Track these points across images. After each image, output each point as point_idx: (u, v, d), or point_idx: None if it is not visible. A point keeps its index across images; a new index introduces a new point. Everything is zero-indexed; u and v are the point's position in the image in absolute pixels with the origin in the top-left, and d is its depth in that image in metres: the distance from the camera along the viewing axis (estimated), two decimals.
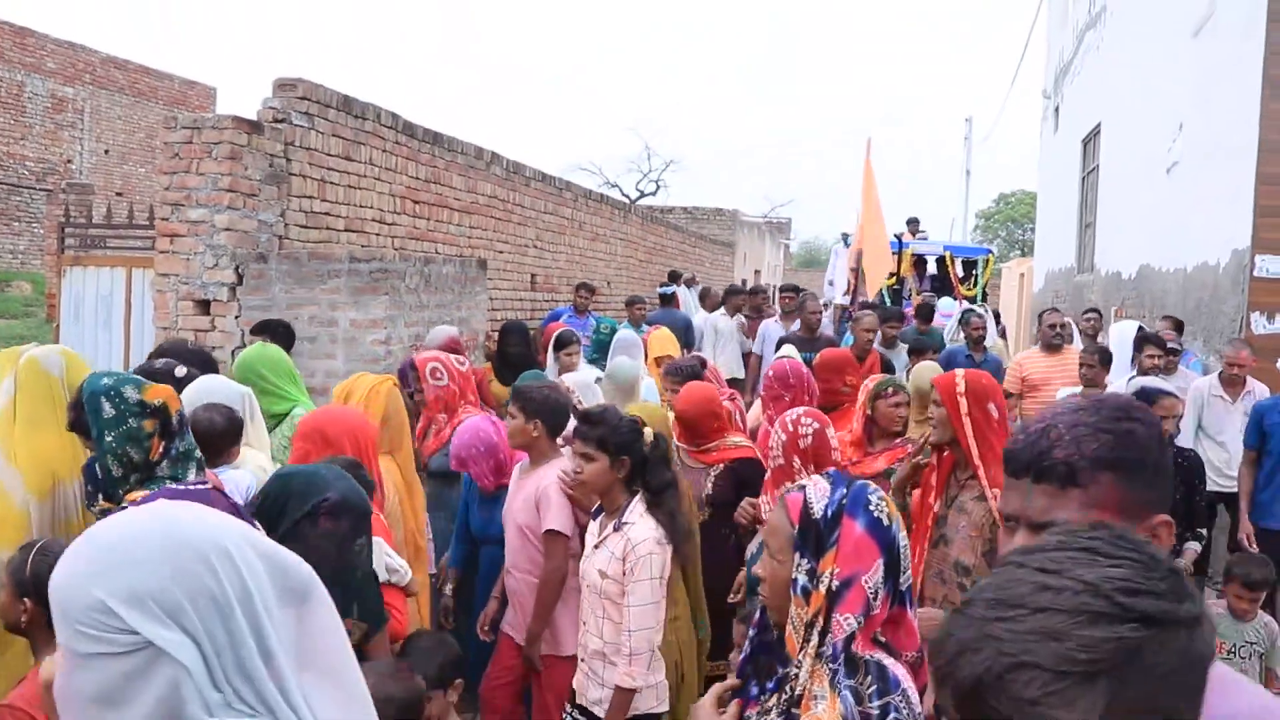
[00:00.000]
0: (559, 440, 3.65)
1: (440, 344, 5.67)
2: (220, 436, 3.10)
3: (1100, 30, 13.06)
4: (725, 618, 3.66)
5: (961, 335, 9.30)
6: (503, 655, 3.64)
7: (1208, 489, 5.20)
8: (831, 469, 2.11)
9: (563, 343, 6.54)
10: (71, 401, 2.67)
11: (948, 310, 11.43)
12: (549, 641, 3.47)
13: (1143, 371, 6.14)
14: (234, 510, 2.08)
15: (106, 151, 22.76)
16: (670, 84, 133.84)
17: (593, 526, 3.26)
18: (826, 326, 9.84)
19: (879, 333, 8.07)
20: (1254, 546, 5.35)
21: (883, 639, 1.81)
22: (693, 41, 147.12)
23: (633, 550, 3.00)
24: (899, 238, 14.09)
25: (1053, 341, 7.26)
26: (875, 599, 1.73)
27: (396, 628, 2.88)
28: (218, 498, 2.27)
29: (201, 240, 6.50)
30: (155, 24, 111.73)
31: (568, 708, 3.23)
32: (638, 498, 3.13)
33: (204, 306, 6.53)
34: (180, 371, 3.33)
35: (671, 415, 4.34)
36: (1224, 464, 5.95)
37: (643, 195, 36.82)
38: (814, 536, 1.75)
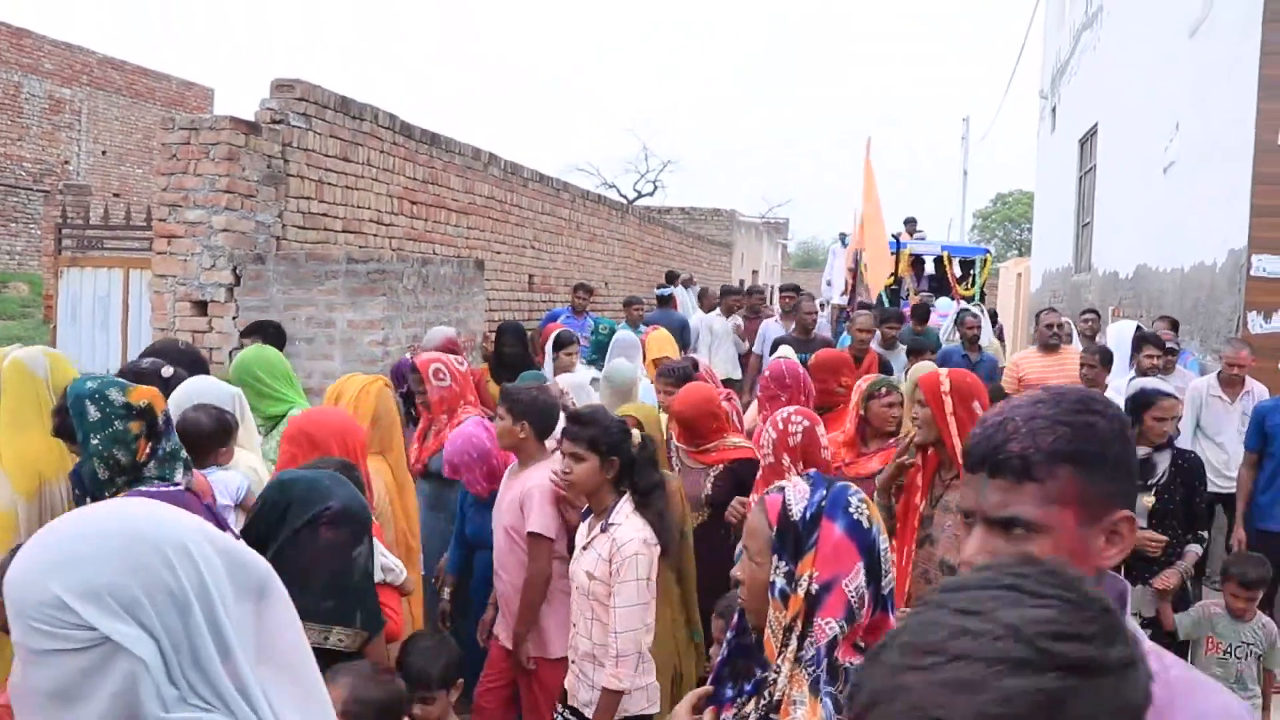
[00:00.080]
0: (548, 442, 3.64)
1: (438, 345, 5.66)
2: (208, 437, 3.10)
3: (1097, 30, 13.05)
4: None
5: (957, 335, 9.30)
6: (494, 659, 3.64)
7: (1206, 490, 5.17)
8: (813, 471, 2.08)
9: (562, 343, 6.54)
10: (56, 406, 2.66)
11: (946, 310, 11.44)
12: (537, 644, 3.46)
13: (1141, 371, 6.11)
14: (207, 514, 2.07)
15: (104, 152, 22.73)
16: (668, 84, 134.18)
17: (581, 528, 3.25)
18: (824, 327, 9.82)
19: (877, 333, 8.07)
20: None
21: (864, 645, 1.78)
22: (691, 42, 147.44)
23: (619, 551, 2.99)
24: (896, 238, 14.10)
25: (1050, 341, 7.23)
26: (859, 604, 1.69)
27: (392, 628, 2.88)
28: (191, 500, 2.25)
29: (199, 241, 6.51)
30: (153, 25, 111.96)
31: (559, 708, 3.22)
32: (625, 498, 3.13)
33: (201, 307, 6.53)
34: (167, 371, 3.32)
35: (665, 416, 4.33)
36: (1222, 465, 5.89)
37: (640, 196, 36.74)
38: (792, 539, 1.72)
